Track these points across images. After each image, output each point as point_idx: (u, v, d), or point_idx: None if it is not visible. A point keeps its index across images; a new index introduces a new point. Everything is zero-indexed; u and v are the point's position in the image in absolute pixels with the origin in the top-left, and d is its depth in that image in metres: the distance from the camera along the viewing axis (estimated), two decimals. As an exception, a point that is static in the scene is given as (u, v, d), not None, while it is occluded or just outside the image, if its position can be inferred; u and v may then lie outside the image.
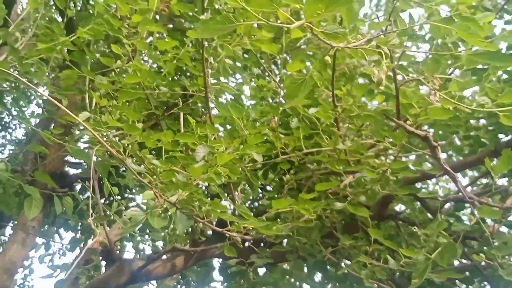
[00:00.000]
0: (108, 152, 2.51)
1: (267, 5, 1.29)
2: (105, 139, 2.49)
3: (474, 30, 1.57)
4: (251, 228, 2.33)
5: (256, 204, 3.99)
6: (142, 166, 2.53)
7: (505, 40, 1.77)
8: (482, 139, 3.14)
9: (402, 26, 1.84)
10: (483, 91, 2.11)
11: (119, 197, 3.83)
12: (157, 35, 3.97)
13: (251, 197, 4.00)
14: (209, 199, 2.82)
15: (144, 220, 2.19)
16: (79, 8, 4.43)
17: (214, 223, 2.90)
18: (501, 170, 1.86)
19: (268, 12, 1.35)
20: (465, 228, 2.14)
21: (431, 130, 3.31)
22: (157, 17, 3.77)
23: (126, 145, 2.20)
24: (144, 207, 2.55)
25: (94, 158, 2.71)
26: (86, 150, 3.02)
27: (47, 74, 3.09)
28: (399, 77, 2.06)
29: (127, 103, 2.95)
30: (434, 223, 2.06)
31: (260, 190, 3.86)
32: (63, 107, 2.00)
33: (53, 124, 4.11)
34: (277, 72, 3.64)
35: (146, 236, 4.23)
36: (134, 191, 4.11)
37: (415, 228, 2.53)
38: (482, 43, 1.56)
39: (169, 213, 2.26)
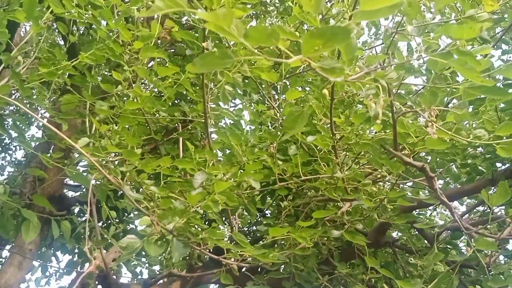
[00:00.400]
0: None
1: (266, 40, 1.31)
2: (104, 164, 2.51)
3: (470, 65, 1.59)
4: (247, 255, 2.33)
5: (255, 227, 4.00)
6: (141, 191, 2.55)
7: (502, 74, 1.79)
8: (479, 167, 3.16)
9: (399, 59, 1.86)
10: (480, 123, 2.13)
11: (117, 220, 3.82)
12: (158, 60, 4.02)
13: (249, 221, 4.00)
14: (206, 224, 2.83)
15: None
16: (82, 32, 4.49)
17: (211, 249, 2.90)
18: (498, 202, 1.87)
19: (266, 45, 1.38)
20: (461, 259, 2.13)
21: (429, 157, 3.34)
22: (159, 41, 3.82)
23: (124, 172, 2.21)
24: (141, 231, 2.55)
25: (93, 182, 2.73)
26: (85, 174, 3.03)
27: (48, 98, 3.11)
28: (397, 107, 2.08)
29: (127, 128, 2.97)
30: (430, 255, 2.06)
31: (259, 214, 3.87)
32: (60, 133, 2.01)
33: (53, 147, 4.13)
34: (277, 97, 3.67)
35: (144, 259, 4.22)
36: (132, 215, 4.11)
37: (411, 259, 2.53)
38: (478, 78, 1.58)
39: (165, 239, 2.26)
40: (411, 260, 2.47)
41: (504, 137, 1.89)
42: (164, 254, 3.70)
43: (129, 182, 2.46)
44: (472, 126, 2.54)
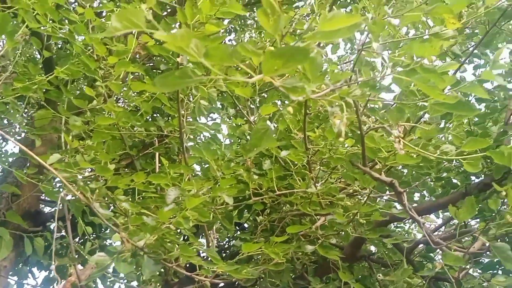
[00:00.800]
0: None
1: (227, 59, 1.32)
2: (78, 179, 2.50)
3: (433, 82, 1.61)
4: (220, 271, 2.32)
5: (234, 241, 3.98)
6: (114, 207, 2.53)
7: (467, 90, 1.81)
8: (454, 181, 3.19)
9: (366, 76, 1.88)
10: (447, 138, 2.16)
11: (93, 236, 3.79)
12: (137, 74, 4.01)
13: (228, 236, 3.99)
14: (183, 239, 2.82)
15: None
16: (60, 46, 4.48)
17: (187, 265, 2.89)
18: (465, 217, 1.89)
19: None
20: (431, 273, 2.14)
21: (405, 170, 3.37)
22: (137, 55, 3.82)
23: (94, 189, 2.19)
24: (112, 248, 2.53)
25: (69, 197, 2.70)
26: (60, 190, 3.01)
27: (23, 113, 3.10)
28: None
29: (103, 143, 2.95)
30: (399, 270, 2.07)
31: (238, 229, 3.86)
32: (27, 150, 2.00)
33: (28, 163, 4.10)
34: (256, 110, 3.68)
35: (122, 275, 4.17)
36: (108, 231, 4.08)
37: (379, 276, 2.53)
38: (440, 95, 1.60)
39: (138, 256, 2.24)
40: (379, 276, 2.47)
41: (471, 154, 1.91)
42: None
43: (101, 198, 2.44)
44: (447, 140, 2.57)
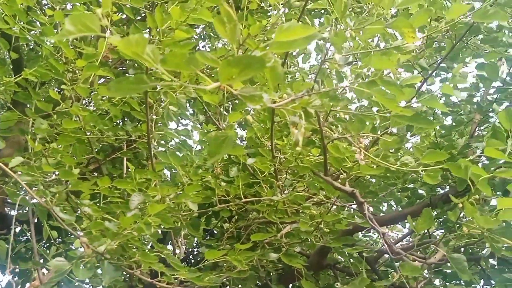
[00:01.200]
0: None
1: (184, 66, 1.32)
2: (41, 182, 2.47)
3: (391, 94, 1.64)
4: (183, 279, 2.31)
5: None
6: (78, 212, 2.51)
7: (426, 103, 1.85)
8: (419, 191, 3.23)
9: (329, 87, 1.90)
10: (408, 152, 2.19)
11: (59, 240, 3.74)
12: (108, 78, 3.99)
13: (196, 242, 3.97)
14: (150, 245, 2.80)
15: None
16: (31, 47, 4.43)
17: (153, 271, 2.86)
18: (422, 229, 1.91)
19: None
20: (387, 283, 2.16)
21: (373, 180, 3.40)
22: (110, 59, 3.79)
23: (54, 193, 2.17)
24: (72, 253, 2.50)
25: (35, 200, 2.66)
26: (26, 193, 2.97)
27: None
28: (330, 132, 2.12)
29: (70, 146, 2.92)
30: (357, 280, 2.09)
31: (207, 235, 3.84)
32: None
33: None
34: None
35: (87, 279, 4.12)
36: (72, 236, 4.02)
37: (337, 284, 2.55)
38: (398, 108, 1.62)
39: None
40: (337, 284, 2.49)
41: (429, 166, 1.94)
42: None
43: (64, 202, 2.42)
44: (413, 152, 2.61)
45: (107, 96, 3.11)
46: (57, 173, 2.61)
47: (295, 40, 1.31)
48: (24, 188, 2.87)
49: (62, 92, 3.04)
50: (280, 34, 1.30)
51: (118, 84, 1.30)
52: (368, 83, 1.66)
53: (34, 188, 2.57)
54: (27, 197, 2.78)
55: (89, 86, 2.81)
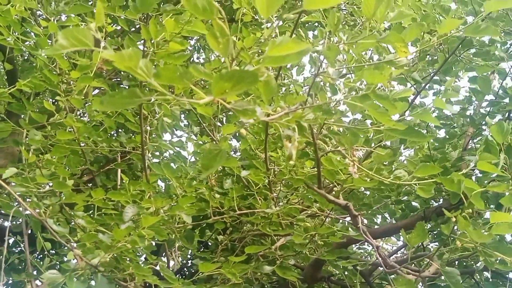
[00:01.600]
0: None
1: (178, 80, 1.32)
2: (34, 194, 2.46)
3: (383, 108, 1.64)
4: (177, 291, 2.30)
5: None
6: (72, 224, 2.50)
7: (418, 117, 1.86)
8: (413, 204, 3.23)
9: (322, 100, 1.91)
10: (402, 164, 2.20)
11: (53, 252, 3.72)
12: (103, 89, 3.99)
13: (190, 254, 3.96)
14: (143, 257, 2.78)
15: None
16: (26, 58, 4.43)
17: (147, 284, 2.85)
18: (416, 242, 1.91)
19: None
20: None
21: (367, 192, 3.40)
22: (104, 70, 3.79)
23: (48, 205, 2.16)
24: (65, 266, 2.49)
25: (28, 212, 2.65)
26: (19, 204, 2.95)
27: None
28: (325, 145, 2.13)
29: (65, 157, 2.91)
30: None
31: (202, 247, 3.83)
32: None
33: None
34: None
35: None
36: (65, 248, 4.00)
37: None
38: (390, 122, 1.63)
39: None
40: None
41: (423, 179, 1.95)
42: None
43: (57, 214, 2.41)
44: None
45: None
46: (51, 184, 2.61)
47: (287, 55, 1.32)
48: (17, 200, 2.86)
49: (56, 103, 3.04)
50: (272, 49, 1.30)
51: (112, 98, 1.30)
52: (361, 97, 1.67)
53: (27, 200, 2.56)
54: (20, 209, 2.77)
55: (83, 97, 2.82)
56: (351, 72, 3.11)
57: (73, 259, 2.65)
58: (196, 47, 4.63)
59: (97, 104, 2.57)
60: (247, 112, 1.46)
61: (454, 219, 1.83)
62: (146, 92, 1.33)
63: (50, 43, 2.79)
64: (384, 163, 2.21)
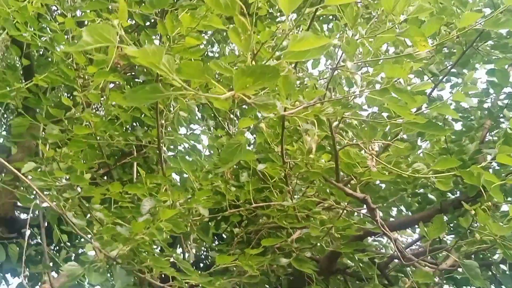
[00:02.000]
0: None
1: (199, 75, 1.32)
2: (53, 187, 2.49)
3: (403, 102, 1.64)
4: (193, 283, 2.33)
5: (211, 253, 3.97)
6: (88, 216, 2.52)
7: (437, 110, 1.85)
8: (429, 196, 3.22)
9: (341, 94, 1.91)
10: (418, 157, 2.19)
11: (69, 244, 3.76)
12: (118, 83, 4.01)
13: (206, 246, 3.98)
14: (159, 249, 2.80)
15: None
16: (41, 53, 4.46)
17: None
18: (434, 235, 1.92)
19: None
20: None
21: (383, 185, 3.39)
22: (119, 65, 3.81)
23: (67, 198, 2.19)
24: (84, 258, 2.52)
25: (45, 204, 2.68)
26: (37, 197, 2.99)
27: (1, 119, 3.09)
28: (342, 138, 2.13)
29: (81, 151, 2.94)
30: (369, 285, 2.09)
31: (216, 239, 3.85)
32: (3, 161, 1.99)
33: (5, 169, 4.06)
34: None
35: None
36: (82, 240, 4.04)
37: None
38: (410, 116, 1.63)
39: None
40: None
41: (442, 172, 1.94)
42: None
43: (76, 207, 2.44)
44: (424, 158, 2.60)
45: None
46: (67, 177, 2.63)
47: (308, 50, 1.32)
48: (34, 192, 2.90)
49: (72, 97, 3.06)
50: (294, 44, 1.30)
51: (134, 94, 1.32)
52: (380, 91, 1.67)
53: (45, 193, 2.59)
54: (37, 201, 2.81)
55: (100, 92, 2.84)
56: (366, 65, 3.10)
57: (91, 251, 2.69)
58: (210, 41, 4.64)
59: (119, 99, 2.60)
60: (267, 107, 1.46)
61: (473, 212, 1.83)
62: (168, 87, 1.34)
63: (67, 38, 2.80)
64: (402, 156, 2.20)
